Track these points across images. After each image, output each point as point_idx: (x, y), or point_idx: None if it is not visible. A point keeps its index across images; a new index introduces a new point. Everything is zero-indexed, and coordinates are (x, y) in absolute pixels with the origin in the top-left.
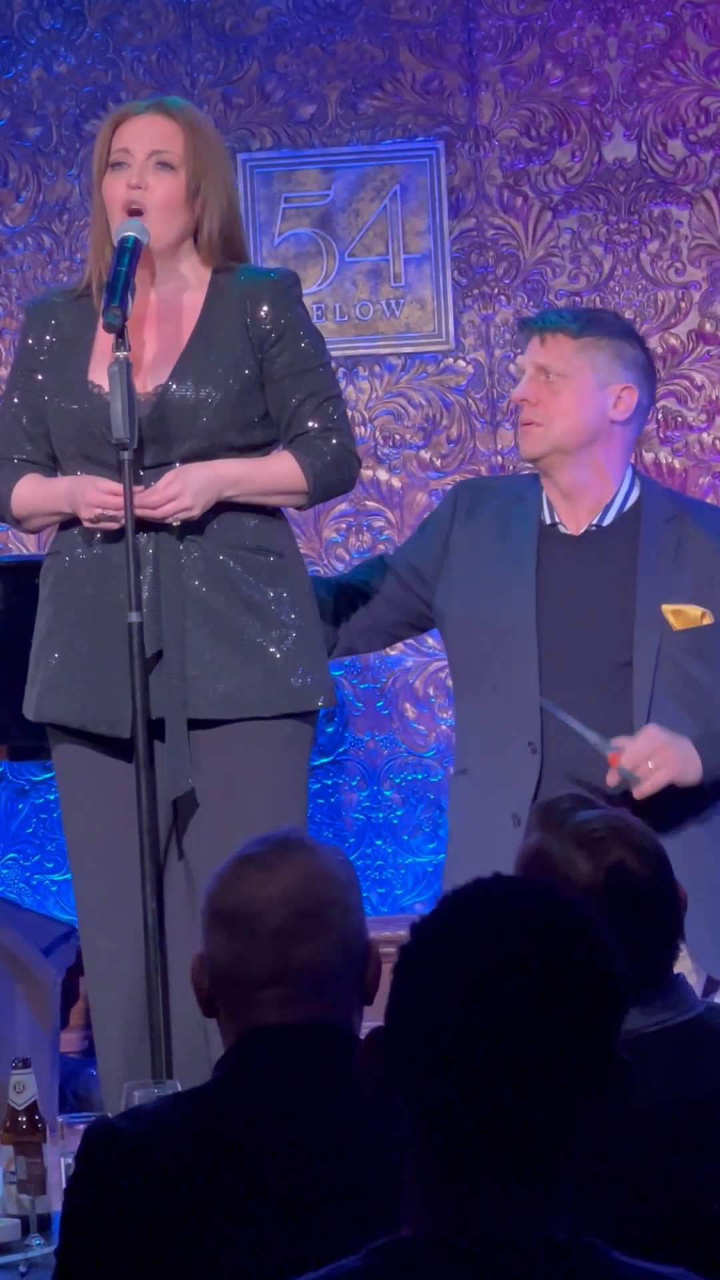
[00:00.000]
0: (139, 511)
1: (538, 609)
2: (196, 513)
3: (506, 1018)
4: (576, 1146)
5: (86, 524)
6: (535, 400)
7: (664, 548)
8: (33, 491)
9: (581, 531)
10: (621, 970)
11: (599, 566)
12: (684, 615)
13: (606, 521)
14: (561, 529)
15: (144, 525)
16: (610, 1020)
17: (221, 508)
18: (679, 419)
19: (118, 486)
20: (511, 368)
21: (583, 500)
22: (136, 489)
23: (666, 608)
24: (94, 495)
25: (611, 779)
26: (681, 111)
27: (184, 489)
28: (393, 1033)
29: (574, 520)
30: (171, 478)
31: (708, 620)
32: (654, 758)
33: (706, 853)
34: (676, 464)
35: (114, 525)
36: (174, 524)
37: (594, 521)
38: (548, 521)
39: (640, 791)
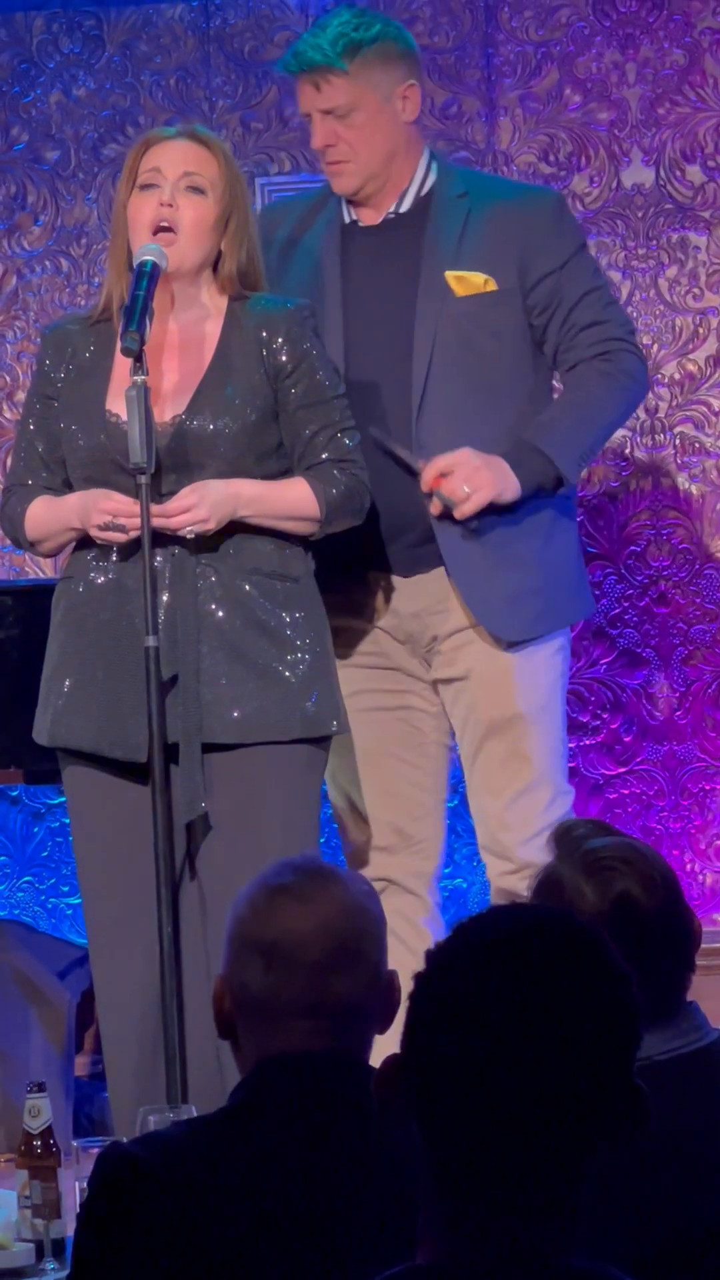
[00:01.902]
0: (156, 522)
1: (343, 306)
2: (212, 526)
3: (522, 1046)
4: (592, 1173)
5: (95, 532)
6: (335, 141)
7: (452, 222)
8: (44, 510)
9: (380, 221)
10: (636, 998)
11: (394, 251)
12: (466, 281)
13: (404, 208)
14: (360, 224)
15: (161, 541)
16: (626, 1047)
17: (237, 531)
18: (696, 444)
19: (123, 499)
20: None
21: (379, 194)
22: (153, 507)
23: (450, 274)
24: (105, 503)
25: (434, 508)
26: (700, 137)
27: (200, 500)
28: (408, 1061)
29: (373, 212)
30: (189, 489)
31: (491, 287)
32: (469, 481)
33: (516, 541)
34: (694, 490)
35: (122, 536)
36: (188, 536)
37: (391, 210)
38: (347, 220)
39: (461, 513)
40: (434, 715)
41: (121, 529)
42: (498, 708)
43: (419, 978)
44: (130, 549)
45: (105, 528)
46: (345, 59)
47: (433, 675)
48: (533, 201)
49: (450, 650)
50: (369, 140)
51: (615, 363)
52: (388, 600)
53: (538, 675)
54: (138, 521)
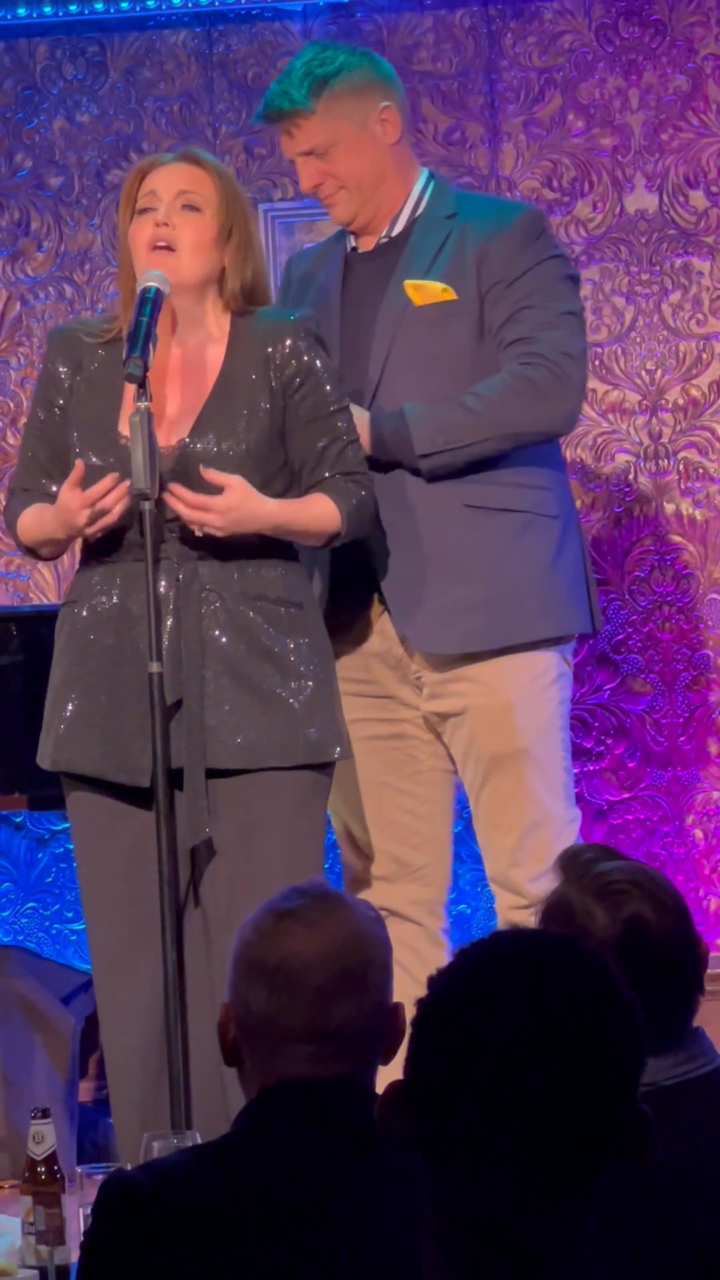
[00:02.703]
0: (171, 504)
1: (340, 330)
2: (222, 535)
3: (526, 1071)
4: (595, 1200)
5: (90, 531)
6: (321, 179)
7: (433, 240)
8: (31, 520)
9: (374, 246)
10: (641, 1023)
11: (381, 272)
12: (424, 290)
13: (396, 231)
14: (359, 251)
15: (165, 567)
16: (629, 1071)
17: (241, 557)
18: (700, 470)
19: (96, 486)
20: None
21: (375, 220)
22: (177, 540)
23: (408, 283)
24: (75, 501)
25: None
26: (703, 163)
27: (227, 513)
28: (412, 1087)
29: (371, 238)
30: (230, 485)
31: (448, 296)
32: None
33: (464, 552)
34: (698, 515)
35: (113, 518)
36: (196, 533)
37: (385, 233)
38: (349, 248)
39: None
40: (429, 742)
41: (107, 511)
42: (499, 744)
43: (422, 1003)
44: (134, 574)
45: (94, 519)
46: (311, 99)
47: (427, 708)
48: (503, 215)
49: (435, 684)
50: (354, 170)
51: (524, 367)
52: (379, 624)
53: (536, 706)
54: (118, 493)
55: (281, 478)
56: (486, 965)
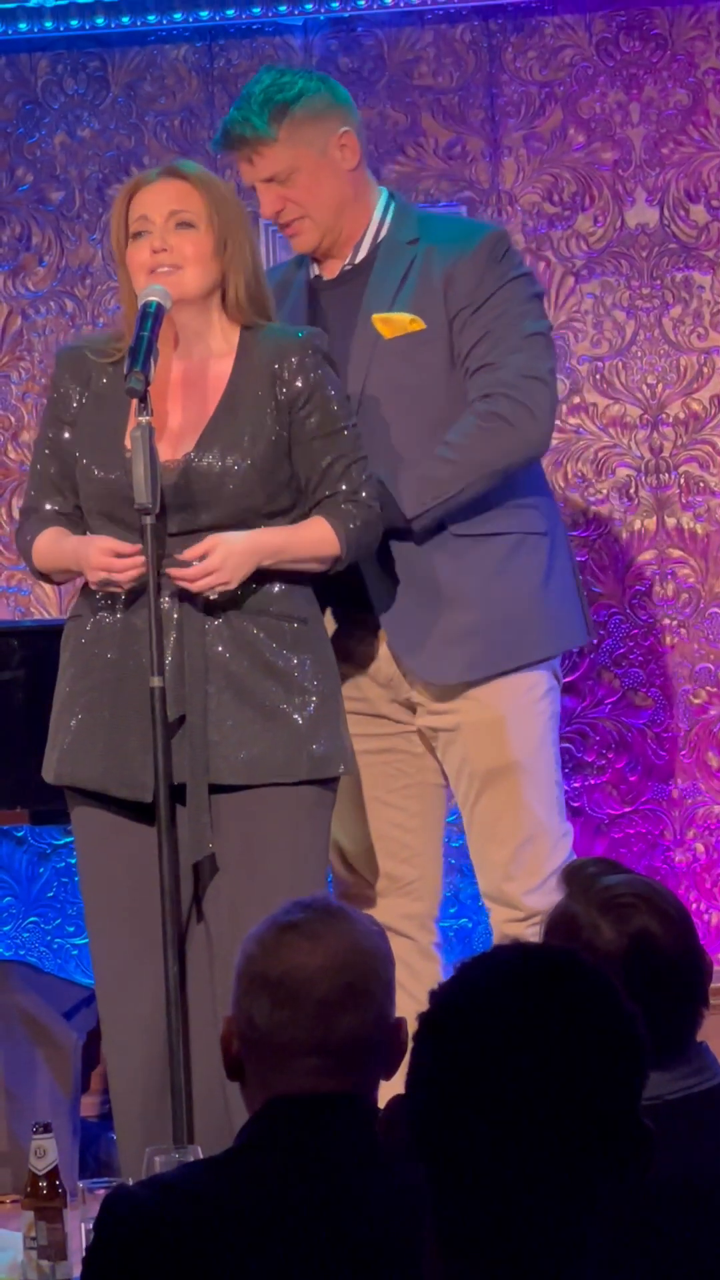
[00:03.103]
0: (177, 581)
1: None
2: (233, 587)
3: (528, 1086)
4: (598, 1213)
5: (94, 587)
6: (282, 205)
7: (396, 268)
8: (47, 548)
9: (338, 273)
10: (643, 1036)
11: (346, 301)
12: (393, 323)
13: (360, 258)
14: (323, 279)
15: (169, 582)
16: (631, 1086)
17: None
18: (701, 484)
19: (122, 546)
20: None
21: (337, 245)
22: (178, 565)
23: (376, 318)
24: (98, 559)
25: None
26: (704, 177)
27: (222, 564)
28: (414, 1101)
29: (334, 263)
30: (211, 546)
31: (417, 326)
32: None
33: (455, 578)
34: (699, 529)
35: (118, 590)
36: (211, 597)
37: (349, 260)
38: (312, 275)
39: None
40: (419, 756)
41: (117, 585)
42: (493, 758)
43: (423, 1017)
44: (137, 589)
45: (103, 584)
46: (272, 126)
47: (419, 723)
48: (466, 239)
49: (430, 701)
50: (315, 197)
51: (490, 405)
52: (369, 641)
53: (529, 721)
54: (133, 574)
55: (287, 494)
56: (488, 979)
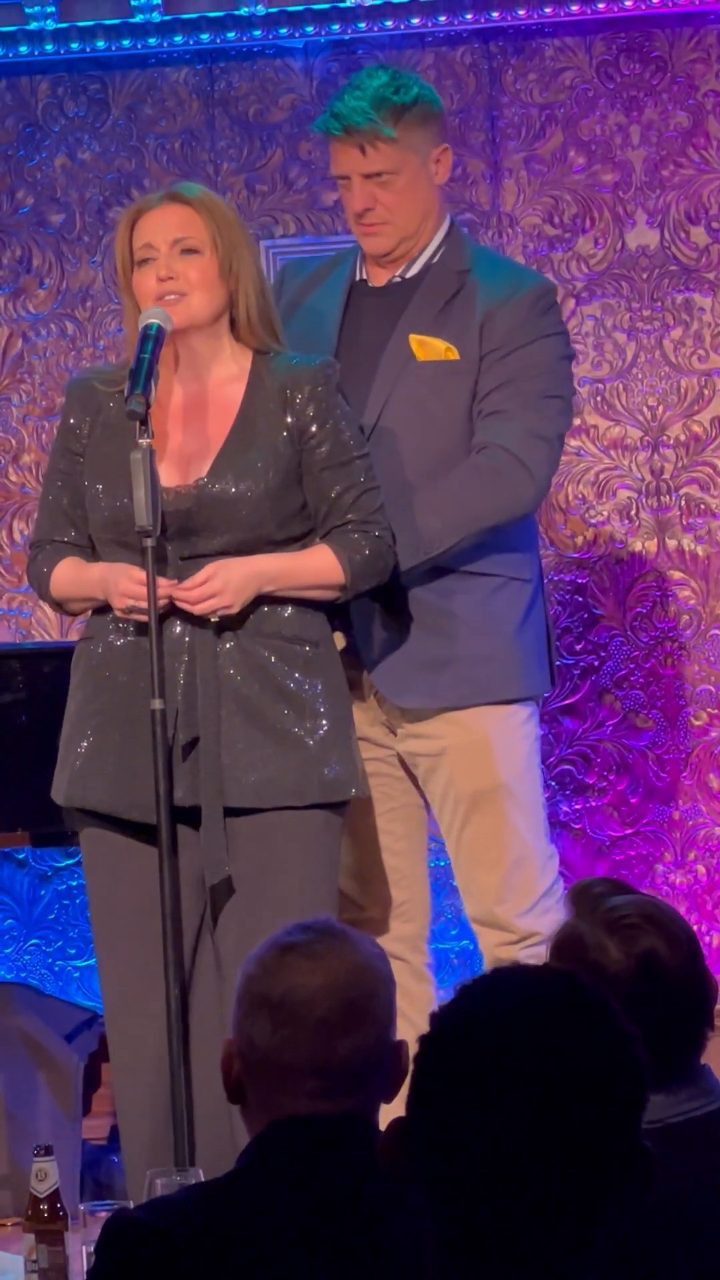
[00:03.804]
0: (179, 602)
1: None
2: (235, 609)
3: (529, 1110)
4: (600, 1237)
5: (118, 614)
6: (373, 204)
7: (440, 292)
8: (69, 577)
9: (385, 283)
10: (643, 1059)
11: (387, 313)
12: (429, 347)
13: (411, 273)
14: (369, 283)
15: (181, 614)
16: (632, 1108)
17: (258, 598)
18: (702, 506)
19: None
20: None
21: (406, 255)
22: (170, 582)
23: (414, 338)
24: (127, 585)
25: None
26: (704, 199)
27: (224, 586)
28: (415, 1123)
29: (385, 273)
30: (211, 572)
31: (452, 355)
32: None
33: (438, 608)
34: (700, 551)
35: (145, 618)
36: (213, 620)
37: (399, 273)
38: (358, 278)
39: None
40: (401, 779)
41: (145, 611)
42: (480, 780)
43: (424, 1039)
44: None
45: (128, 611)
46: (390, 123)
47: (401, 748)
48: (515, 283)
49: (413, 725)
50: (407, 204)
51: (489, 458)
52: (352, 664)
53: (514, 743)
54: (160, 604)
55: (299, 522)
56: (489, 1002)
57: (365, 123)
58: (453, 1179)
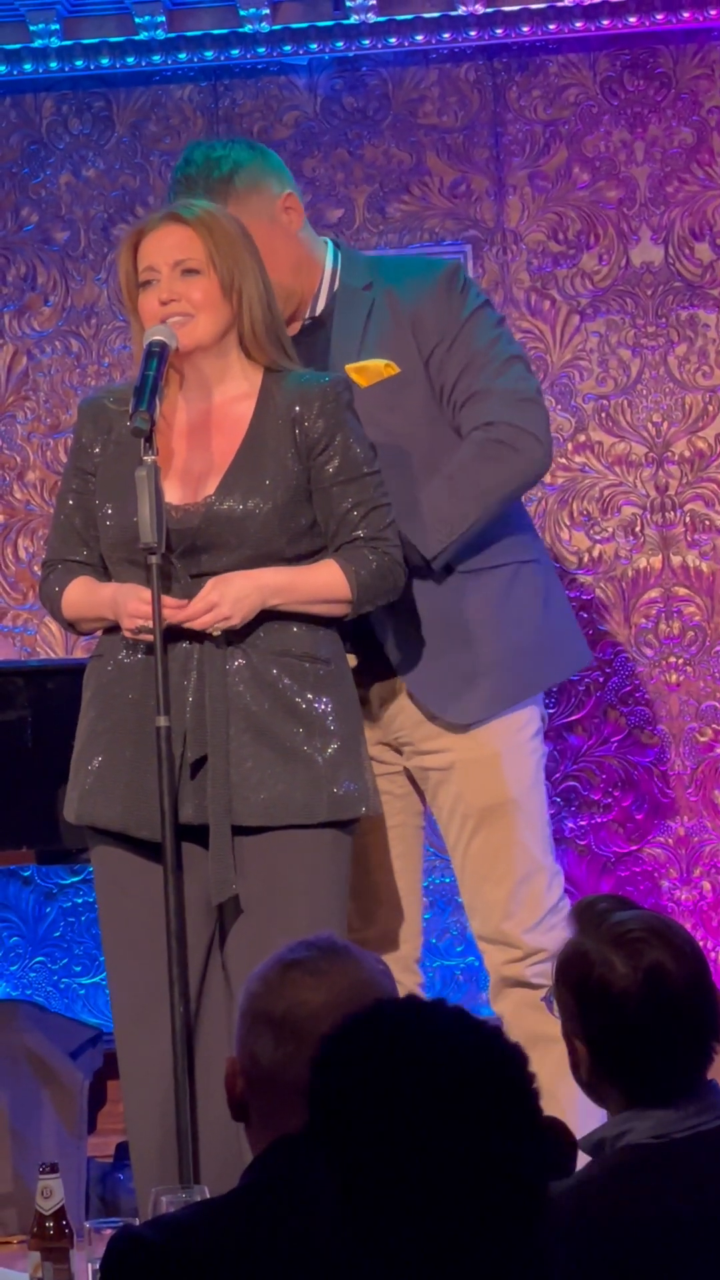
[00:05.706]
0: (181, 620)
1: None
2: (236, 622)
3: (420, 1129)
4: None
5: (127, 634)
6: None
7: (356, 315)
8: (80, 597)
9: (300, 329)
10: (534, 1089)
11: (311, 356)
12: (367, 371)
13: (319, 310)
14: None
15: (188, 633)
16: (522, 1134)
17: (267, 615)
18: (706, 522)
19: (163, 598)
20: None
21: (298, 307)
22: (177, 603)
23: (350, 368)
24: (135, 606)
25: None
26: (709, 215)
27: (222, 598)
28: (316, 1138)
29: (293, 326)
30: (210, 587)
31: (392, 371)
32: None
33: (461, 619)
34: (704, 566)
35: (152, 638)
36: (214, 634)
37: (307, 316)
38: None
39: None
40: (401, 797)
41: (153, 631)
42: (489, 796)
43: (313, 1063)
44: (168, 635)
45: (137, 631)
46: (217, 201)
47: (408, 764)
48: (422, 277)
49: (421, 741)
50: (273, 266)
51: (490, 433)
52: (359, 682)
53: (522, 759)
54: (169, 624)
55: (309, 539)
56: (376, 1032)
57: (197, 209)
58: (360, 1193)
